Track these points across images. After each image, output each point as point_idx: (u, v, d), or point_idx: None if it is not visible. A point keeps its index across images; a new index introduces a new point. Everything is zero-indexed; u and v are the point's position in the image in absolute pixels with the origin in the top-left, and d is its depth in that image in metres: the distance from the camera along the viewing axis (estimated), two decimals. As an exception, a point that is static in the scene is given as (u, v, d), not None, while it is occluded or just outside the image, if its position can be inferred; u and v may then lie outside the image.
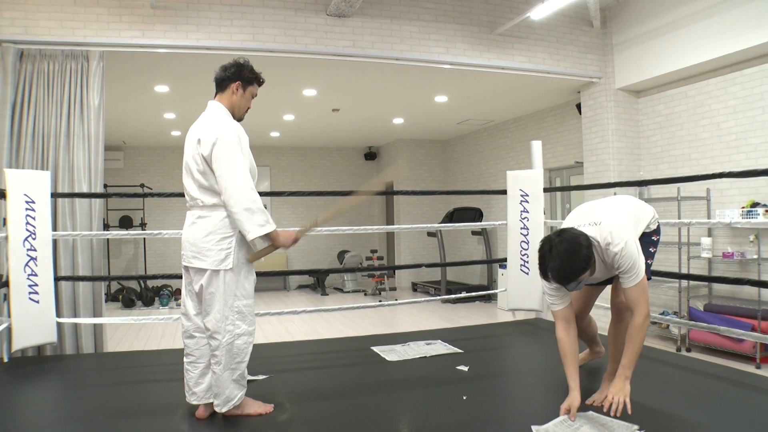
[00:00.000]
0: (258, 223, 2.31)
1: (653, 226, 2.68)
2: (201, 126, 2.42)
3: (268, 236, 2.36)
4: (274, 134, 9.78)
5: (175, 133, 9.06)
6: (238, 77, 2.48)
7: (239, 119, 2.53)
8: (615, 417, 2.26)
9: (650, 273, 2.61)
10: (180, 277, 2.61)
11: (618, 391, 2.30)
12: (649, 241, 2.64)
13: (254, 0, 4.84)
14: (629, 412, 2.26)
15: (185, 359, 2.47)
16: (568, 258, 2.21)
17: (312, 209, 11.22)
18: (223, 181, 2.31)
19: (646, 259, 2.52)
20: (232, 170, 2.31)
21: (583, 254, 2.22)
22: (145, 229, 9.83)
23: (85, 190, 4.27)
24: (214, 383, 2.38)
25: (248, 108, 2.58)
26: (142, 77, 5.75)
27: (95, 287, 4.31)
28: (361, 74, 5.95)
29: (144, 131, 8.95)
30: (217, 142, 2.32)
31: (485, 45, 5.56)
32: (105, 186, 4.42)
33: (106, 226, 9.42)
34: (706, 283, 5.41)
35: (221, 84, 2.51)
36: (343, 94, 6.95)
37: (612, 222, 2.39)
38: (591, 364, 3.16)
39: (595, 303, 2.94)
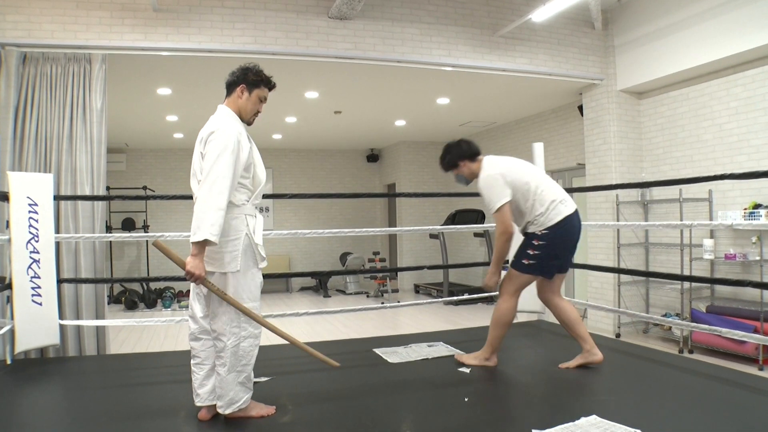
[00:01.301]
0: (204, 227, 2.21)
1: (539, 229, 3.04)
2: (205, 127, 2.44)
3: (197, 245, 2.24)
4: (277, 136, 9.79)
5: (178, 135, 9.08)
6: (242, 80, 2.50)
7: (248, 123, 2.54)
8: (618, 423, 2.27)
9: (525, 269, 3.12)
10: (182, 279, 2.62)
11: (488, 280, 3.19)
12: (528, 243, 3.12)
13: (256, 3, 4.85)
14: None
15: (192, 361, 2.48)
16: (445, 149, 3.28)
17: (314, 211, 11.24)
18: (203, 179, 2.29)
19: (521, 258, 3.12)
20: (211, 172, 2.26)
21: (452, 153, 3.23)
22: (147, 232, 9.85)
23: (87, 192, 4.28)
24: (217, 385, 2.39)
25: (257, 112, 2.56)
26: (145, 80, 5.77)
27: (98, 289, 4.33)
28: (362, 76, 5.96)
29: (146, 134, 8.96)
30: (211, 137, 2.33)
31: (487, 47, 5.57)
32: (107, 188, 4.44)
33: (109, 229, 9.45)
34: (708, 285, 5.41)
35: (228, 88, 2.54)
36: (345, 97, 6.97)
37: (501, 166, 3.13)
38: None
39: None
